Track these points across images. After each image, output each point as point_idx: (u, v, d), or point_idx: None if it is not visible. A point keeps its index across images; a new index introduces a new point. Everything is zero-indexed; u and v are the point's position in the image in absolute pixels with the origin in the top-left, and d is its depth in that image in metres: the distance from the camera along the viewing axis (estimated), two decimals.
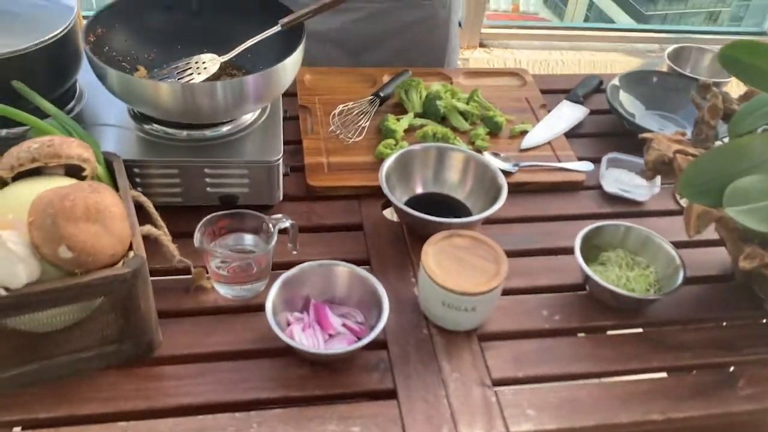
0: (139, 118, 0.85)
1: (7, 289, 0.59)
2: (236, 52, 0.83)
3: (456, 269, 0.73)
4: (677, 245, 0.82)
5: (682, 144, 0.79)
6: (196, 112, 0.78)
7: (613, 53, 2.09)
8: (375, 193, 0.90)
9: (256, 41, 0.84)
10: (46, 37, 0.77)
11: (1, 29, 0.78)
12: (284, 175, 0.88)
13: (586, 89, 1.14)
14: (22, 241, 0.60)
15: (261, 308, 0.71)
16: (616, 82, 1.11)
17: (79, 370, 0.68)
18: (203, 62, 0.83)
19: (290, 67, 0.80)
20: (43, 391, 0.67)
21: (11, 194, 0.66)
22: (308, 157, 0.94)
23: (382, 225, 0.89)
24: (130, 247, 0.65)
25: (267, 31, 0.83)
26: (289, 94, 1.04)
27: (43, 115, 0.75)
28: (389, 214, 0.91)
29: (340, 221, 0.89)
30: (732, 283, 0.85)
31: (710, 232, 0.79)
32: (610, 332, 0.79)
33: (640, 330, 0.80)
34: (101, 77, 0.78)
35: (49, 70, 0.79)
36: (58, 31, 0.78)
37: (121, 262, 0.64)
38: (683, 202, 0.96)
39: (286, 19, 0.84)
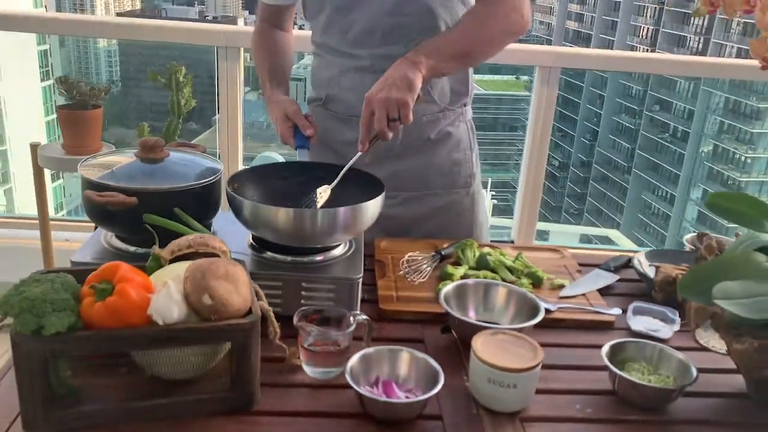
0: (256, 248, 1.11)
1: (164, 321, 0.81)
2: (338, 179, 1.14)
3: (500, 353, 0.90)
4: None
5: (683, 270, 0.98)
6: (302, 235, 1.03)
7: None
8: (435, 320, 1.10)
9: (347, 169, 1.15)
10: (202, 181, 1.07)
11: (173, 176, 1.08)
12: (361, 301, 1.10)
13: (617, 263, 1.35)
14: (179, 290, 0.83)
15: (340, 386, 0.89)
16: (642, 257, 1.33)
17: (195, 412, 0.86)
18: (320, 193, 1.12)
19: (372, 207, 1.06)
20: (165, 425, 0.84)
21: (169, 268, 0.90)
22: (381, 291, 1.17)
23: (441, 340, 1.07)
24: (250, 311, 0.87)
25: (351, 160, 1.15)
26: (369, 256, 1.29)
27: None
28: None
29: (405, 336, 1.08)
30: (746, 399, 0.98)
31: (729, 362, 0.95)
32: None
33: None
34: (237, 210, 1.06)
35: (199, 205, 1.08)
36: (211, 179, 1.09)
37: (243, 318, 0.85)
38: (702, 341, 1.11)
39: (368, 147, 1.16)
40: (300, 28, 1.97)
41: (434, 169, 1.45)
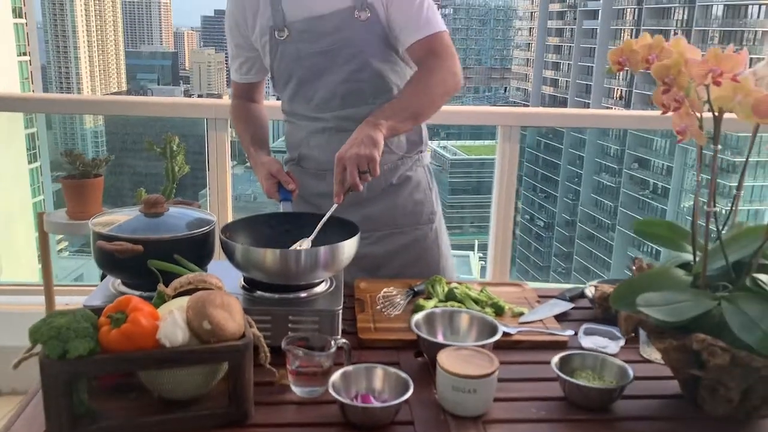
0: (248, 288, 1.26)
1: (170, 344, 0.95)
2: (316, 231, 1.29)
3: (462, 365, 1.04)
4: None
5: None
6: (287, 274, 1.18)
7: None
8: (409, 346, 1.24)
9: (325, 219, 1.30)
10: (198, 231, 1.23)
11: (173, 227, 1.23)
12: (342, 332, 1.24)
13: (572, 293, 1.50)
14: (182, 317, 0.97)
15: (324, 402, 1.03)
16: (594, 286, 1.48)
17: (196, 426, 0.99)
18: (301, 244, 1.27)
19: (348, 246, 1.22)
20: None
21: (173, 302, 1.04)
22: (360, 324, 1.31)
23: (414, 364, 1.21)
24: (243, 336, 1.01)
25: (329, 211, 1.30)
26: (349, 295, 1.43)
27: None
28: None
29: (382, 361, 1.21)
30: (681, 399, 1.11)
31: (667, 371, 1.09)
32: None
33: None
34: (230, 253, 1.21)
35: (196, 251, 1.23)
36: (204, 229, 1.24)
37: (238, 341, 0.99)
38: (645, 354, 1.25)
39: (342, 199, 1.31)
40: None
41: (399, 209, 1.64)
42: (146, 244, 1.16)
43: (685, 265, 1.10)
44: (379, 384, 1.06)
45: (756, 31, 46.41)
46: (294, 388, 1.09)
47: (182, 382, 0.99)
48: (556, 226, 39.74)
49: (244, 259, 1.20)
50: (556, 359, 1.12)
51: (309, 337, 1.12)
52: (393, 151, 1.61)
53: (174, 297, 1.06)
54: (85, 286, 3.02)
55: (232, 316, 1.00)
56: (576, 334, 1.31)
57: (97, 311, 0.98)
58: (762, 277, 1.00)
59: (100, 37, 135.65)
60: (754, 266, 1.01)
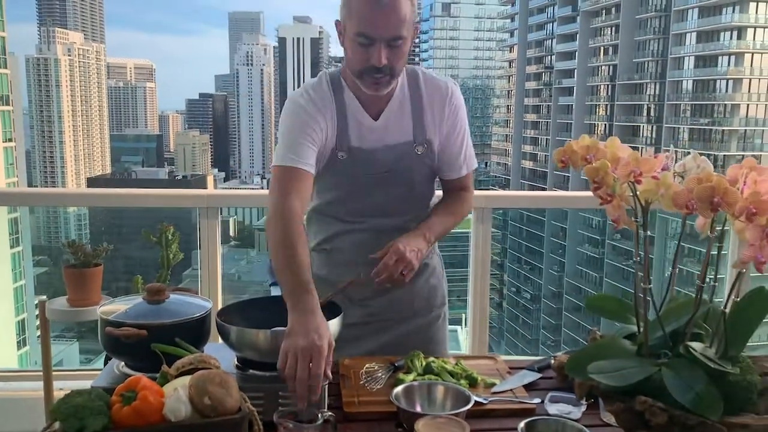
0: (241, 367, 1.38)
1: (175, 418, 1.06)
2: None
3: (436, 430, 1.16)
4: None
5: None
6: (277, 352, 1.31)
7: None
8: (390, 417, 1.35)
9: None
10: (196, 315, 1.36)
11: (173, 313, 1.36)
12: (328, 407, 1.35)
13: (540, 364, 1.63)
14: (186, 394, 1.09)
15: None
16: (558, 354, 1.61)
17: None
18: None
19: (332, 325, 1.35)
20: None
21: (176, 381, 1.16)
22: (345, 398, 1.42)
23: None
24: (240, 410, 1.12)
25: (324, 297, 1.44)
26: (335, 372, 1.55)
27: None
28: None
29: None
30: None
31: None
32: None
33: None
34: (225, 335, 1.33)
35: (194, 334, 1.35)
36: (202, 313, 1.37)
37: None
38: (605, 418, 1.37)
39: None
40: None
41: (416, 294, 1.80)
42: (149, 329, 1.29)
43: (631, 336, 1.25)
44: None
45: (725, 105, 48.22)
46: None
47: None
48: (542, 298, 39.83)
49: (238, 340, 1.33)
50: (522, 425, 1.24)
51: (298, 412, 1.23)
52: None
53: (176, 377, 1.18)
54: (69, 371, 3.06)
55: (229, 393, 1.12)
56: (543, 401, 1.43)
57: (107, 391, 1.10)
58: (694, 345, 1.14)
59: (85, 121, 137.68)
60: (687, 336, 1.15)
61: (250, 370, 1.37)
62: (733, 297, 1.14)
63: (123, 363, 1.38)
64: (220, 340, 1.42)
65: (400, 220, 1.72)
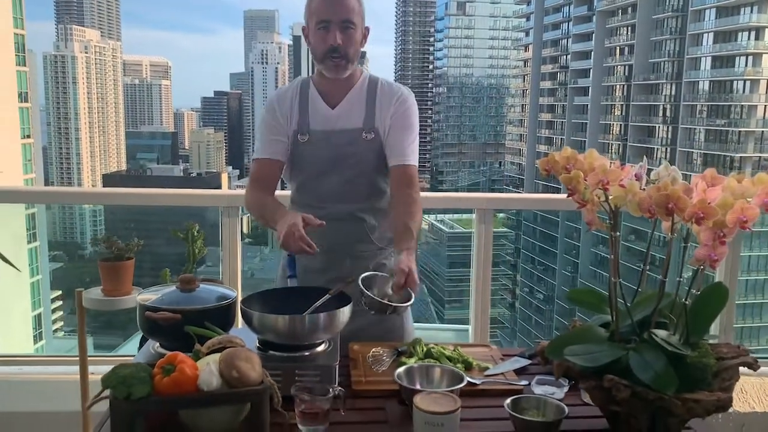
0: (262, 348, 1.56)
1: (207, 389, 1.24)
2: (313, 308, 1.58)
3: (432, 405, 1.33)
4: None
5: None
6: (294, 335, 1.49)
7: None
8: (393, 395, 1.53)
9: (322, 301, 1.60)
10: (223, 302, 1.54)
11: (204, 300, 1.55)
12: (338, 385, 1.53)
13: (530, 351, 1.80)
14: (216, 368, 1.27)
15: None
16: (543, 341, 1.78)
17: None
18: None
19: (343, 312, 1.52)
20: None
21: (208, 357, 1.34)
22: (354, 377, 1.60)
23: (397, 409, 1.49)
24: (262, 382, 1.30)
25: (324, 297, 1.60)
26: (344, 356, 1.73)
27: None
28: None
29: (371, 407, 1.50)
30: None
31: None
32: None
33: None
34: (248, 320, 1.52)
35: (222, 319, 1.53)
36: (229, 300, 1.55)
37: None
38: (585, 399, 1.54)
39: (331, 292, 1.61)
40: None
41: None
42: (183, 313, 1.47)
43: (606, 324, 1.41)
44: None
45: (742, 105, 47.91)
46: (300, 427, 1.38)
47: (215, 419, 1.28)
48: (556, 299, 39.80)
49: (260, 324, 1.51)
50: (508, 401, 1.41)
51: (312, 386, 1.41)
52: (373, 242, 2.00)
53: (207, 354, 1.36)
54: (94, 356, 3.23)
55: (254, 367, 1.30)
56: (530, 384, 1.60)
57: (149, 365, 1.28)
58: (658, 332, 1.30)
59: (100, 118, 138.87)
60: (652, 324, 1.32)
61: (270, 351, 1.55)
62: (693, 290, 1.31)
63: (158, 344, 1.56)
64: (242, 325, 1.60)
65: (354, 207, 1.96)
